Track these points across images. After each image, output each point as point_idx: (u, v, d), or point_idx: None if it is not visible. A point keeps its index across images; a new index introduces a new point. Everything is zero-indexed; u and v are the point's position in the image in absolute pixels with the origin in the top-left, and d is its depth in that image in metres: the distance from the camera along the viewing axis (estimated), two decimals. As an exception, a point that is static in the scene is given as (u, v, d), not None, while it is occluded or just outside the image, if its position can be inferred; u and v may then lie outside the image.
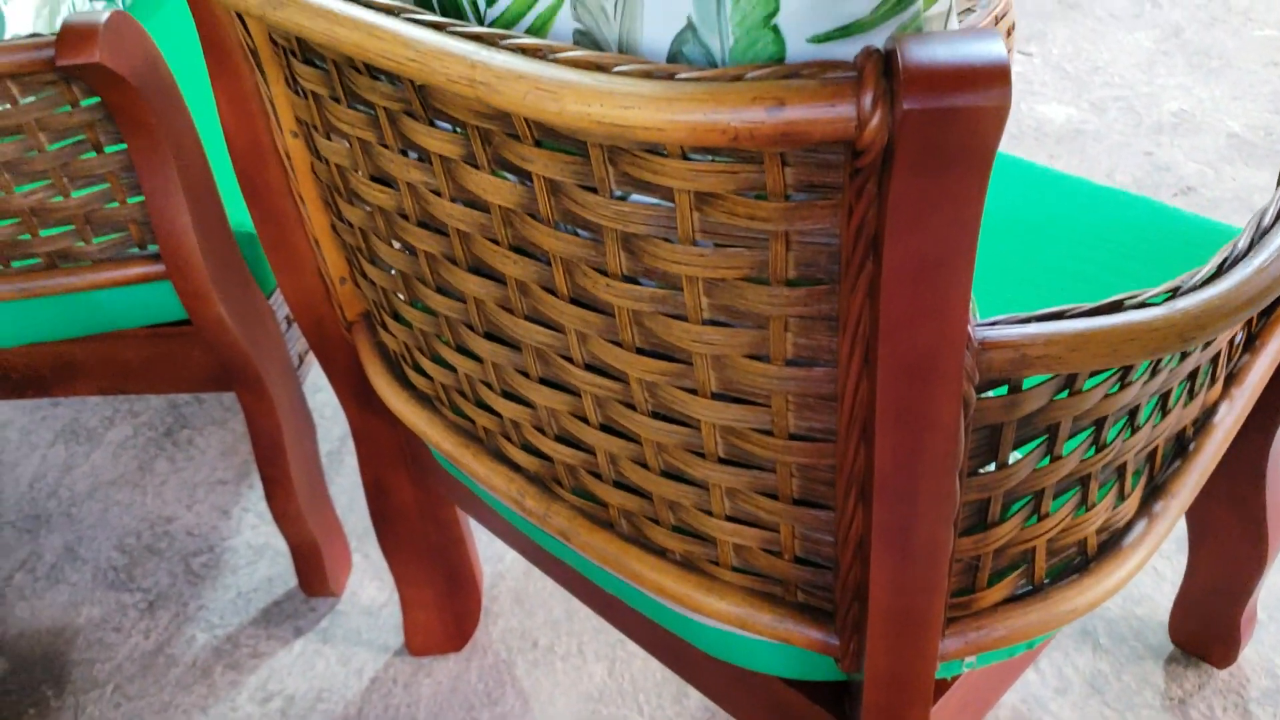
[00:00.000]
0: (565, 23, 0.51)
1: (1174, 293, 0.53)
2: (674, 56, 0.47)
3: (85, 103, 0.96)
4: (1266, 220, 0.62)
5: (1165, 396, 0.67)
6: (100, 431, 1.57)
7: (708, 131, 0.42)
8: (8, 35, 1.22)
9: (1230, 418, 0.75)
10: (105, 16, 0.89)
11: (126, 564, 1.38)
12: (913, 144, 0.39)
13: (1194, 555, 1.05)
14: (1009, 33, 1.58)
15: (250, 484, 1.47)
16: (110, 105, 0.93)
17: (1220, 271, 0.54)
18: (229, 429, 1.56)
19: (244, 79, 0.80)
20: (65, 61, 0.87)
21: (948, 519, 0.55)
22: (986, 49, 0.38)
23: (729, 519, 0.65)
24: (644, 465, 0.67)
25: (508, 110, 0.47)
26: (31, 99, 0.95)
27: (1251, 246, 0.56)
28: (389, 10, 0.51)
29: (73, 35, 0.88)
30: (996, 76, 0.37)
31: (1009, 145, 1.86)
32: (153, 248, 1.04)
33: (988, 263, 0.90)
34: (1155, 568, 1.21)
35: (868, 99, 0.40)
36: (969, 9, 1.43)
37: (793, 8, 0.43)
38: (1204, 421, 0.74)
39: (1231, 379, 0.76)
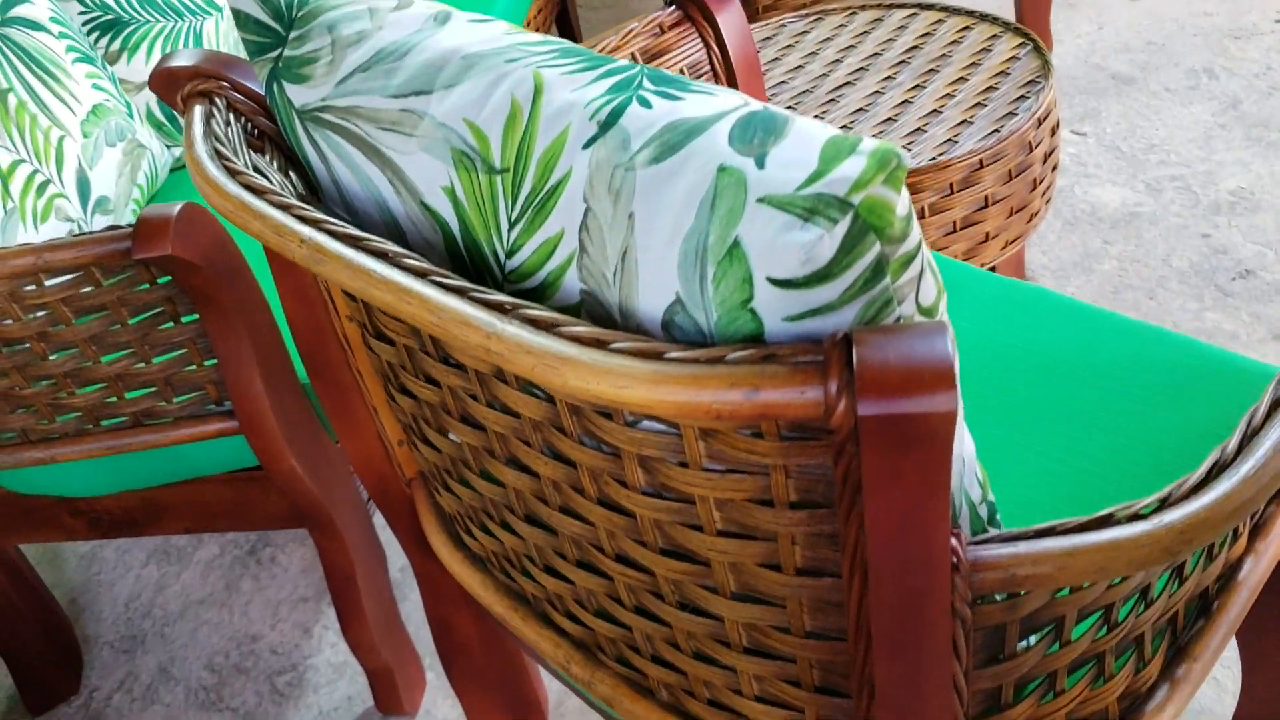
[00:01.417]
0: (573, 281, 0.56)
1: (1163, 502, 0.56)
2: (667, 324, 0.52)
3: (161, 280, 1.03)
4: (1256, 420, 0.63)
5: (1180, 567, 0.69)
6: (189, 551, 1.66)
7: (693, 410, 0.46)
8: (93, 199, 1.31)
9: (1256, 572, 0.76)
10: (178, 209, 0.97)
11: (216, 683, 1.45)
12: (873, 434, 0.43)
13: (1247, 679, 1.05)
14: (1053, 131, 1.60)
15: (329, 601, 1.53)
16: (182, 285, 1.01)
17: (1209, 478, 0.56)
18: (309, 546, 1.63)
19: (302, 274, 0.86)
20: (141, 255, 0.95)
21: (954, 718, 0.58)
22: (933, 350, 0.42)
23: (758, 699, 0.68)
24: (676, 647, 0.70)
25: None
26: (113, 280, 1.03)
27: (1241, 449, 0.58)
28: (419, 273, 0.57)
29: (147, 229, 0.96)
30: (942, 380, 0.41)
31: (1063, 231, 1.87)
32: (228, 404, 1.11)
33: (1003, 402, 0.93)
34: (1216, 678, 1.21)
35: (833, 386, 0.44)
36: (1022, 97, 1.45)
37: (765, 295, 0.47)
38: (1228, 579, 0.75)
39: (1256, 532, 0.77)
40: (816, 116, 1.61)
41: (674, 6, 1.13)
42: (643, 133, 0.54)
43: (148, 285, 1.03)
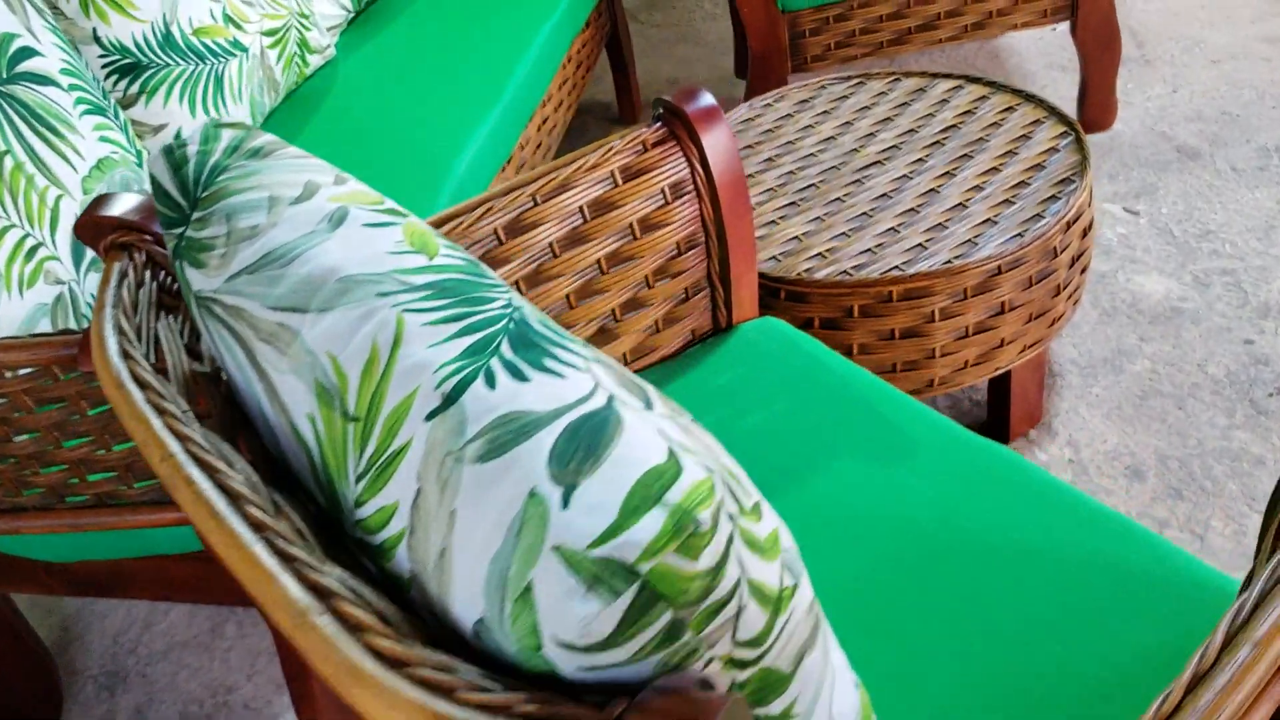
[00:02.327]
0: (404, 557, 0.54)
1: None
2: (477, 634, 0.49)
3: (121, 377, 1.03)
4: (1205, 659, 0.59)
5: None
6: (182, 586, 1.68)
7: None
8: (88, 257, 1.32)
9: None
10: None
11: (187, 731, 1.47)
12: None
13: None
14: (1085, 232, 1.52)
15: (307, 655, 1.54)
16: (137, 389, 1.01)
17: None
18: (296, 592, 1.64)
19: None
20: (86, 368, 0.95)
21: None
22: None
23: None
24: None
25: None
26: (71, 375, 1.03)
27: (1187, 694, 0.53)
28: (257, 525, 0.55)
29: (89, 341, 0.95)
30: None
31: (1099, 322, 1.79)
32: (187, 494, 1.11)
33: (936, 585, 0.88)
34: None
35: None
36: (1069, 177, 1.39)
37: (552, 650, 0.44)
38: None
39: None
40: (838, 200, 1.56)
41: (659, 124, 1.09)
42: (479, 418, 0.51)
43: (106, 380, 1.03)
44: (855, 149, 1.67)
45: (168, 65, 1.53)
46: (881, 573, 0.90)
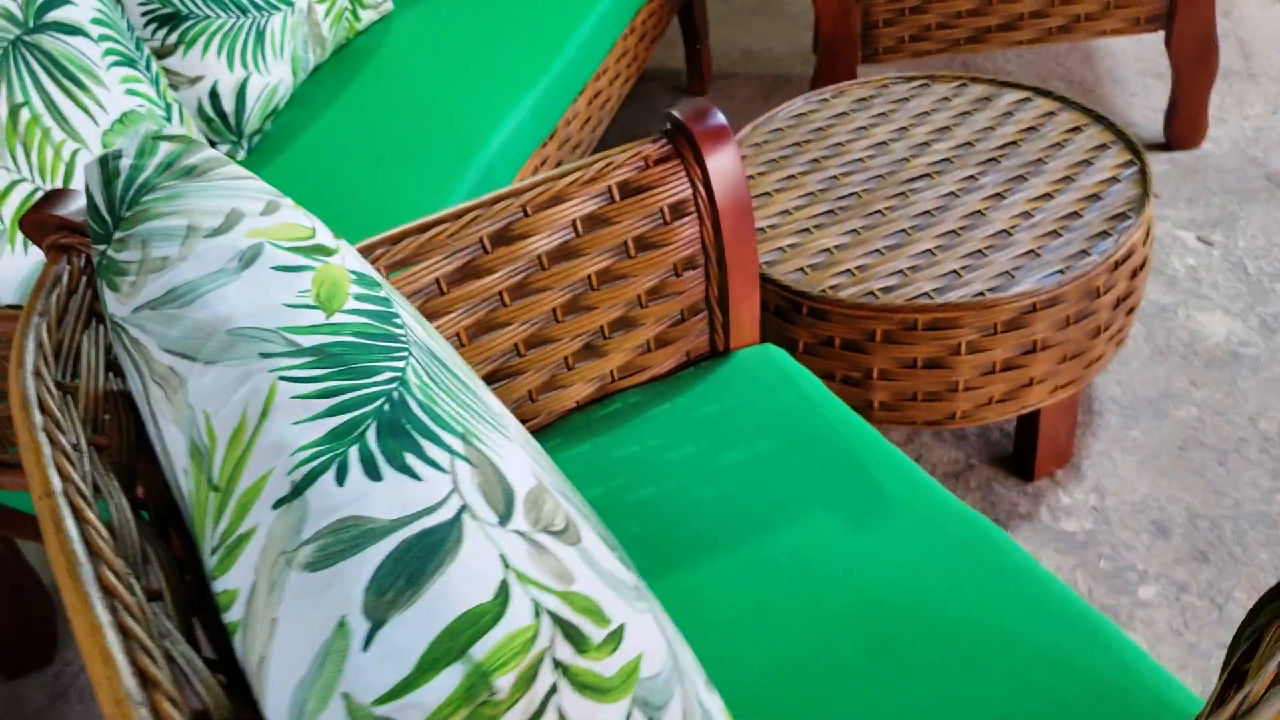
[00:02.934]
0: (240, 647, 0.51)
1: None
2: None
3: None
4: None
5: None
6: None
7: None
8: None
9: None
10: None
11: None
12: None
13: None
14: (1135, 273, 1.44)
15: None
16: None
17: None
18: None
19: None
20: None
21: None
22: None
23: None
24: None
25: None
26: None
27: None
28: (108, 590, 0.53)
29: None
30: None
31: (1151, 359, 1.70)
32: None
33: (888, 665, 0.84)
34: None
35: None
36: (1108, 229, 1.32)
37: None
38: None
39: None
40: (878, 212, 1.49)
41: (664, 139, 1.04)
42: (319, 518, 0.48)
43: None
44: (906, 158, 1.59)
45: (209, 17, 1.51)
46: (832, 640, 0.86)
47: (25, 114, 1.23)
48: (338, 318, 0.59)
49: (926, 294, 1.36)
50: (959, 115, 1.67)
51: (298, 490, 0.49)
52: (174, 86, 1.52)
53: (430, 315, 1.00)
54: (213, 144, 1.57)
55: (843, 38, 1.98)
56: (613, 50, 1.95)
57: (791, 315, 1.41)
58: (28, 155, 1.22)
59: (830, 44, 1.99)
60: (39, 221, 0.76)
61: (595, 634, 0.48)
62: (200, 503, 0.55)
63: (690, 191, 1.04)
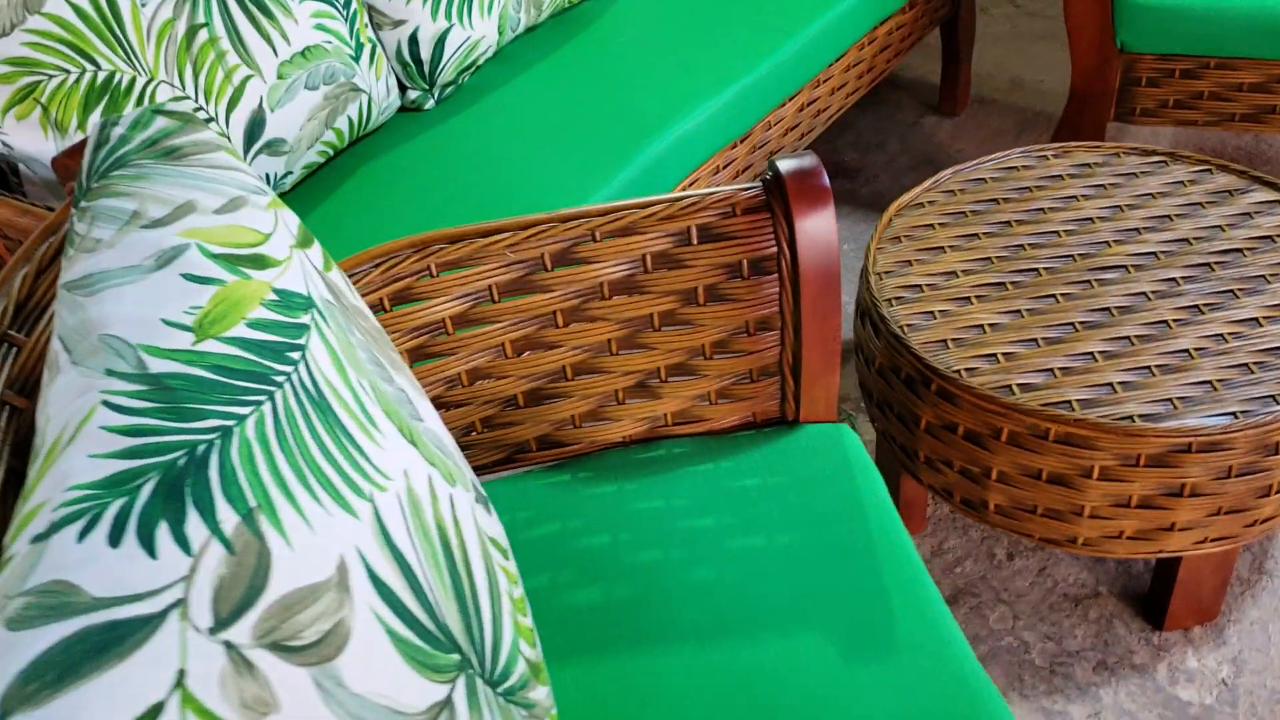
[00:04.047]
0: None
1: None
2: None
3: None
4: None
5: None
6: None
7: None
8: (262, 140, 1.36)
9: None
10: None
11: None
12: None
13: None
14: None
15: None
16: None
17: None
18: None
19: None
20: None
21: None
22: None
23: None
24: None
25: None
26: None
27: None
28: None
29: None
30: None
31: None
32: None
33: None
34: None
35: None
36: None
37: None
38: None
39: None
40: (1053, 297, 1.33)
41: (760, 188, 0.95)
42: (44, 572, 0.46)
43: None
44: (1109, 242, 1.42)
45: (421, -37, 1.53)
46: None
47: (203, 35, 1.28)
48: (206, 345, 0.57)
49: (1069, 403, 1.21)
50: (1188, 205, 1.47)
51: (47, 534, 0.47)
52: (378, 26, 1.55)
53: (476, 321, 0.97)
54: (404, 89, 1.60)
55: (1096, 91, 1.79)
56: (842, 58, 1.84)
57: (919, 388, 1.30)
58: (195, 76, 1.27)
59: (1081, 95, 1.80)
60: (65, 164, 0.78)
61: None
62: (18, 506, 0.54)
63: (775, 250, 0.96)
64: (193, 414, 0.53)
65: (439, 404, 0.99)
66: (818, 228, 0.93)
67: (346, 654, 0.49)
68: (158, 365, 0.55)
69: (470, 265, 0.95)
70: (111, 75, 1.20)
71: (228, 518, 0.49)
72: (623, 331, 0.99)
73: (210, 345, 0.57)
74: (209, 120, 1.29)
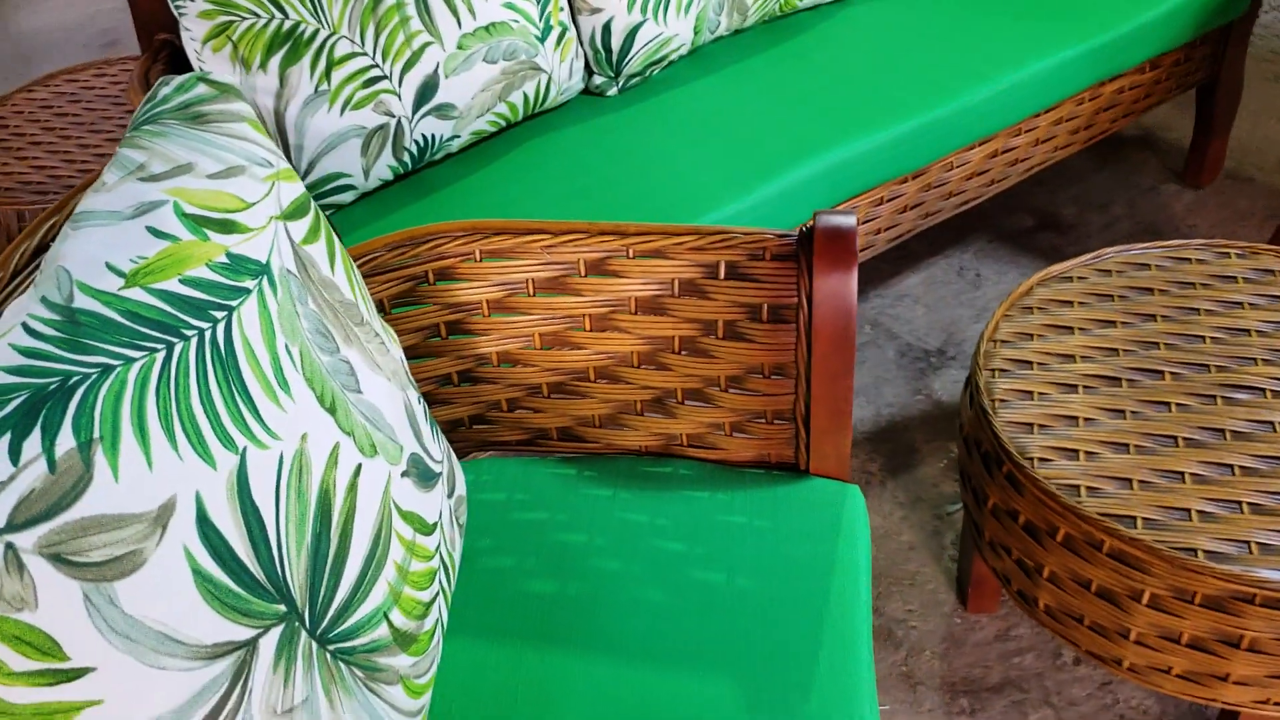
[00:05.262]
0: None
1: None
2: None
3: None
4: None
5: None
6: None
7: None
8: (432, 103, 1.46)
9: None
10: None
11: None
12: None
13: None
14: None
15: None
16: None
17: None
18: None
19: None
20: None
21: None
22: None
23: None
24: None
25: None
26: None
27: None
28: None
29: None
30: None
31: None
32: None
33: None
34: None
35: None
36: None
37: None
38: None
39: None
40: (1165, 404, 1.25)
41: (794, 237, 0.96)
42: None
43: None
44: (1256, 360, 1.30)
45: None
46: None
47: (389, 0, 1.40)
48: (132, 291, 0.66)
49: (1133, 519, 1.14)
50: (1367, 338, 1.33)
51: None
52: (576, 11, 1.62)
53: (510, 310, 1.03)
54: (591, 73, 1.67)
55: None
56: (1050, 110, 1.75)
57: (992, 467, 1.25)
58: (377, 36, 1.39)
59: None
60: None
61: (16, 663, 0.52)
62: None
63: (796, 300, 0.96)
64: (85, 349, 0.62)
65: (468, 377, 1.06)
66: (837, 288, 0.93)
67: (133, 579, 0.57)
68: (81, 301, 0.64)
69: (509, 258, 1.01)
70: (297, 25, 1.34)
71: (64, 442, 0.58)
72: (645, 347, 1.03)
73: (134, 293, 0.66)
74: (380, 77, 1.41)
